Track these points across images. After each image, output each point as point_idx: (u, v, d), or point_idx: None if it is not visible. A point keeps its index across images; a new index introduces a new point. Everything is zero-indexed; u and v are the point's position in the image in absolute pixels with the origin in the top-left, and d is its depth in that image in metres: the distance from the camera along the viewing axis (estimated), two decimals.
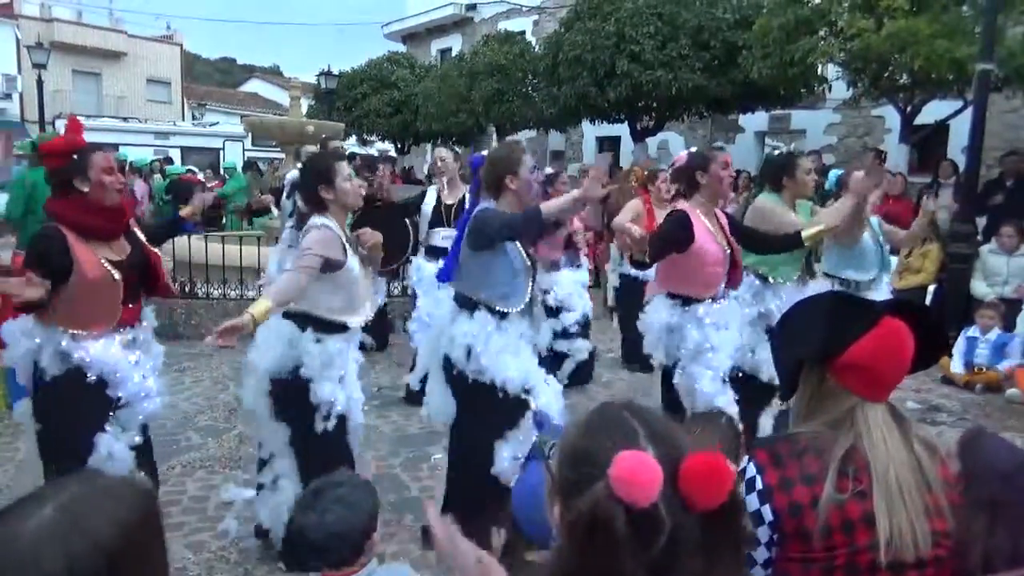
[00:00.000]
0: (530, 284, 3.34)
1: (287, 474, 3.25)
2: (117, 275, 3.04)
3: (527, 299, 3.32)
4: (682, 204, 3.88)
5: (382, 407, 5.55)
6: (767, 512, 1.40)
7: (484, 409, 3.28)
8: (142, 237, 3.29)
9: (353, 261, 3.15)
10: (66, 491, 0.91)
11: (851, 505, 1.35)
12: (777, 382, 4.16)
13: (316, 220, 3.11)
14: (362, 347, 6.71)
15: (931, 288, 7.36)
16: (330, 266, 3.03)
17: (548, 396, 3.33)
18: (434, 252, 5.52)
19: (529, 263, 3.33)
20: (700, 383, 3.70)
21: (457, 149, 5.92)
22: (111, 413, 3.10)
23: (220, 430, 4.95)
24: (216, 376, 6.08)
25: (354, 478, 2.10)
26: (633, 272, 6.22)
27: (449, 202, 5.53)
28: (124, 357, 3.10)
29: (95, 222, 2.99)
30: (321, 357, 3.11)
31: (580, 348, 5.96)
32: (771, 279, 4.31)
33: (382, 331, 6.78)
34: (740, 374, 4.11)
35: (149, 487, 1.01)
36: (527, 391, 3.28)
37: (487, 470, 3.26)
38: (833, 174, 5.28)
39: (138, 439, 3.20)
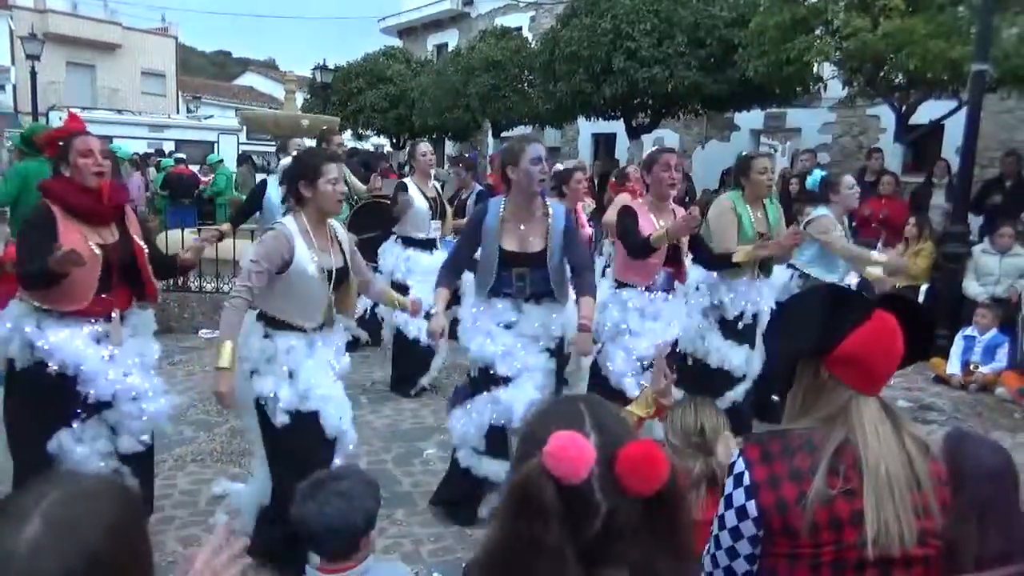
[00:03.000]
0: (499, 276, 3.57)
1: (260, 465, 3.27)
2: (98, 251, 3.05)
3: (487, 287, 3.58)
4: (631, 201, 4.33)
5: (374, 402, 5.55)
6: (752, 508, 1.41)
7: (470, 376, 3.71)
8: (134, 229, 3.28)
9: (305, 261, 3.03)
10: (47, 499, 0.89)
11: (840, 503, 1.36)
12: (725, 368, 4.39)
13: (277, 223, 3.14)
14: (355, 342, 6.77)
15: (923, 288, 7.39)
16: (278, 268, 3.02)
17: (516, 394, 3.46)
18: (428, 244, 5.63)
19: (500, 256, 3.55)
20: (612, 362, 3.93)
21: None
22: (81, 411, 3.03)
23: (212, 424, 4.94)
24: (209, 370, 6.06)
25: (360, 474, 2.10)
26: None
27: (431, 195, 5.73)
28: (93, 350, 3.03)
29: (76, 200, 3.05)
30: (266, 352, 3.06)
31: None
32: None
33: (375, 326, 6.76)
34: (691, 361, 4.49)
35: (125, 484, 1.00)
36: (488, 371, 3.53)
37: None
38: (817, 174, 5.36)
39: (134, 444, 3.15)
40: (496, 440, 3.54)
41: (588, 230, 6.09)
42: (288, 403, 3.03)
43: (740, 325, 4.54)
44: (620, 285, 4.11)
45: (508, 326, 3.58)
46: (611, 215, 5.68)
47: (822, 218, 4.90)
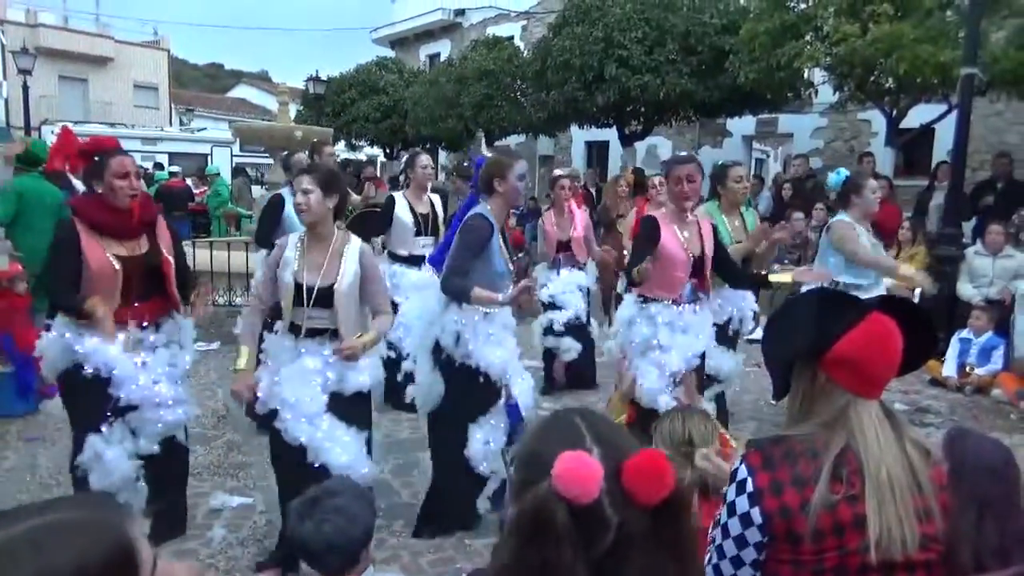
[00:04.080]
0: (510, 284, 3.60)
1: None
2: (117, 266, 3.18)
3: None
4: (654, 211, 4.22)
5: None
6: (756, 514, 1.40)
7: (464, 392, 3.57)
8: (165, 241, 3.39)
9: (284, 272, 3.21)
10: (43, 516, 0.86)
11: (842, 508, 1.36)
12: (711, 373, 4.34)
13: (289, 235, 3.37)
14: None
15: (918, 291, 7.41)
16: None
17: (523, 389, 3.63)
18: (414, 260, 5.53)
19: (510, 266, 3.63)
20: (644, 379, 3.83)
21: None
22: (110, 414, 3.17)
23: (208, 437, 4.91)
24: (205, 383, 6.03)
25: (354, 487, 2.08)
26: None
27: (423, 211, 5.58)
28: (125, 355, 3.17)
29: (103, 219, 3.18)
30: (269, 347, 3.31)
31: (568, 348, 5.95)
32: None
33: None
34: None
35: (120, 526, 0.91)
36: (505, 380, 3.57)
37: (462, 450, 3.58)
38: (841, 173, 5.15)
39: (151, 447, 3.26)
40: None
41: (580, 232, 6.10)
42: (263, 394, 3.22)
43: (730, 331, 4.54)
44: (646, 300, 3.96)
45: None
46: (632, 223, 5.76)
47: (838, 223, 4.76)
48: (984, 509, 1.73)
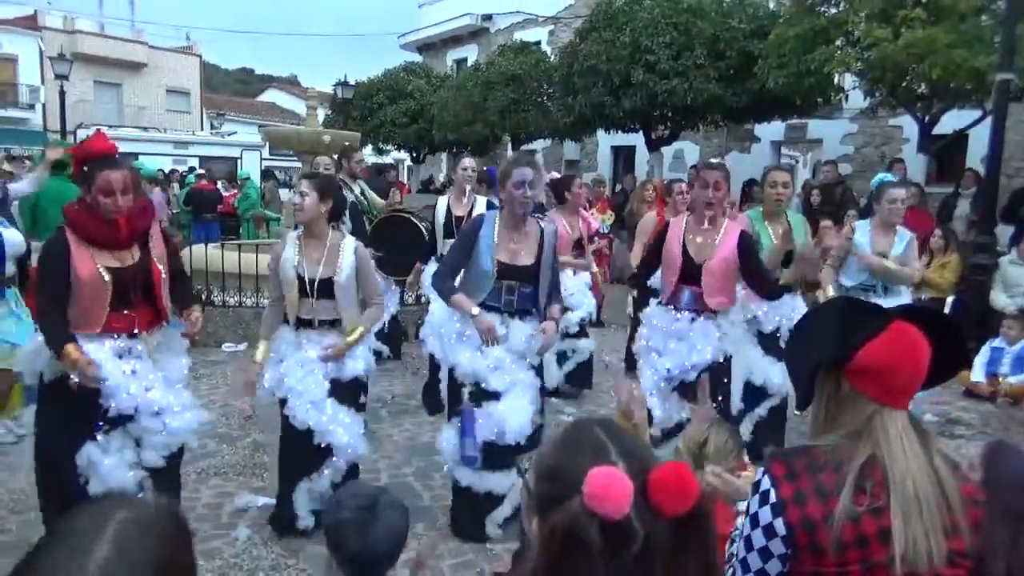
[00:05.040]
0: (490, 285, 3.60)
1: None
2: (107, 277, 3.10)
3: (480, 298, 3.59)
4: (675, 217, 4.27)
5: (395, 415, 5.55)
6: (780, 526, 1.38)
7: (450, 391, 3.77)
8: (158, 250, 3.30)
9: (286, 268, 3.55)
10: (113, 522, 0.92)
11: (866, 520, 1.33)
12: (760, 384, 4.30)
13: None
14: (377, 356, 6.77)
15: (950, 300, 7.28)
16: None
17: (508, 408, 3.49)
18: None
19: (496, 268, 3.58)
20: (642, 379, 3.91)
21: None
22: (102, 424, 3.11)
23: (235, 437, 4.97)
24: (232, 384, 6.11)
25: (395, 499, 2.06)
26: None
27: (459, 213, 5.58)
28: (114, 365, 3.10)
29: (93, 229, 3.10)
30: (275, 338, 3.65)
31: (582, 348, 5.94)
32: None
33: (396, 340, 6.79)
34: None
35: (175, 508, 1.04)
36: (476, 385, 3.57)
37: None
38: (879, 177, 5.02)
39: (155, 457, 3.23)
40: (491, 454, 3.53)
41: (588, 234, 6.09)
42: (270, 383, 3.54)
43: (780, 341, 4.41)
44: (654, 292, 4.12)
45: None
46: (641, 234, 5.73)
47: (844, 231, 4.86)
48: (1019, 527, 1.69)
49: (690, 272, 3.86)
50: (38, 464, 3.27)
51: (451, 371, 3.72)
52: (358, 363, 3.65)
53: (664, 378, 3.85)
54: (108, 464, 3.11)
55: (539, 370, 3.76)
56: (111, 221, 3.10)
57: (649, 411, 3.74)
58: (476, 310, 3.51)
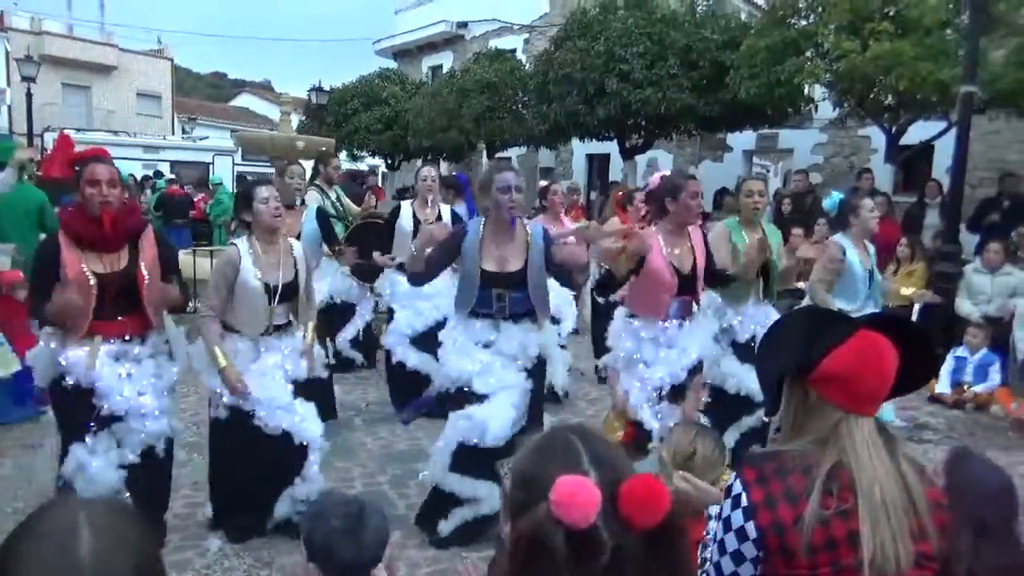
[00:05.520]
0: (475, 294, 3.61)
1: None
2: (93, 280, 3.16)
3: (468, 307, 3.64)
4: (647, 229, 4.07)
5: (370, 423, 5.52)
6: (751, 529, 1.41)
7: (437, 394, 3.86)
8: (147, 256, 3.33)
9: (248, 277, 3.49)
10: (82, 514, 0.94)
11: (835, 523, 1.36)
12: (743, 394, 4.31)
13: (230, 244, 3.63)
14: (351, 364, 6.72)
15: (916, 308, 7.42)
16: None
17: (490, 412, 3.50)
18: None
19: (480, 277, 3.59)
20: (628, 392, 3.88)
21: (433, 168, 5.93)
22: (93, 425, 3.17)
23: (205, 447, 4.89)
24: (202, 393, 5.98)
25: (374, 507, 2.05)
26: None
27: (429, 220, 5.56)
28: (109, 367, 3.19)
29: (80, 229, 3.19)
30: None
31: (567, 360, 5.94)
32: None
33: (370, 348, 6.75)
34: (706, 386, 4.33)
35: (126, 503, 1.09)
36: (462, 389, 3.58)
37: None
38: (835, 196, 5.16)
39: (132, 456, 3.27)
40: (465, 458, 3.54)
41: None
42: (230, 400, 3.46)
43: (755, 349, 4.43)
44: (633, 315, 4.04)
45: (486, 345, 3.64)
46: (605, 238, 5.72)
47: (830, 245, 4.82)
48: (982, 532, 1.73)
49: (681, 285, 3.90)
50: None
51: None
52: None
53: (656, 388, 3.85)
54: (96, 466, 3.16)
55: (536, 372, 3.72)
56: (96, 218, 3.16)
57: (640, 423, 3.78)
58: (417, 253, 3.66)
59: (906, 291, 4.99)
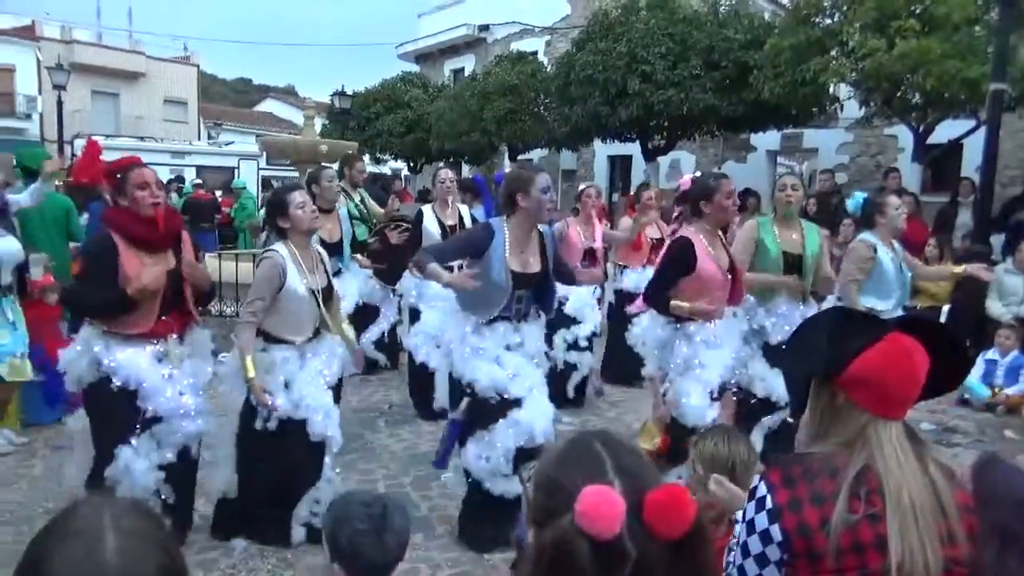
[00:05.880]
0: (507, 299, 3.57)
1: (226, 461, 3.63)
2: (162, 280, 3.29)
3: (496, 312, 3.59)
4: (685, 229, 4.03)
5: (393, 424, 5.55)
6: (776, 532, 1.39)
7: (451, 398, 3.75)
8: (187, 256, 3.48)
9: (296, 284, 3.46)
10: (107, 515, 0.96)
11: (863, 527, 1.34)
12: (772, 397, 4.25)
13: (271, 251, 3.54)
14: (374, 365, 6.76)
15: (945, 308, 7.30)
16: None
17: (533, 412, 3.53)
18: None
19: (512, 280, 3.55)
20: (688, 398, 3.80)
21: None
22: (138, 426, 3.24)
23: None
24: (225, 390, 6.09)
25: (398, 504, 2.06)
26: (626, 287, 6.30)
27: (450, 223, 5.64)
28: (154, 368, 3.27)
29: (136, 229, 3.28)
30: (263, 363, 3.45)
31: (586, 363, 5.93)
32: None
33: (393, 349, 6.78)
34: (736, 389, 4.24)
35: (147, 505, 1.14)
36: (501, 397, 3.53)
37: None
38: (858, 197, 5.05)
39: (170, 456, 3.35)
40: (521, 460, 3.52)
41: (600, 244, 6.11)
42: (283, 411, 3.42)
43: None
44: (679, 320, 3.94)
45: (508, 348, 3.65)
46: (620, 234, 5.71)
47: (859, 245, 4.65)
48: (1008, 542, 1.69)
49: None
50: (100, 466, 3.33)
51: (453, 378, 3.71)
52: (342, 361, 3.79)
53: (717, 387, 3.84)
54: (140, 467, 3.22)
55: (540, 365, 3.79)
56: (150, 218, 3.27)
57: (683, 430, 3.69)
58: (444, 277, 3.44)
59: (957, 269, 4.93)
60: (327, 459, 3.64)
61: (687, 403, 3.78)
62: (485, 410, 3.57)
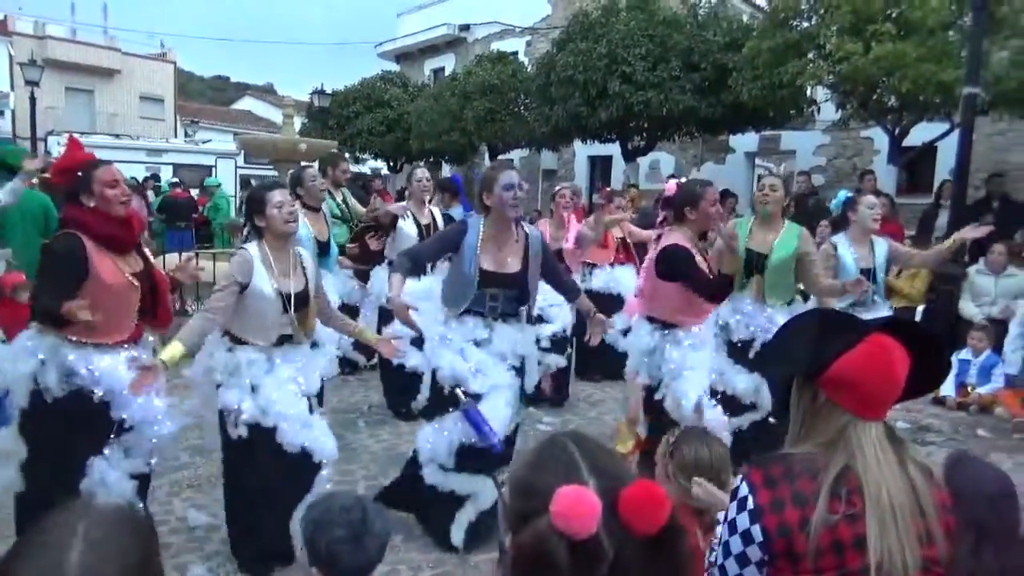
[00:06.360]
0: (474, 294, 3.59)
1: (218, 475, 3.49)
2: (136, 283, 3.14)
3: (464, 306, 3.61)
4: (671, 235, 4.00)
5: (372, 425, 5.52)
6: (757, 532, 1.40)
7: (432, 393, 3.75)
8: (151, 257, 3.35)
9: (263, 284, 3.26)
10: (82, 525, 0.98)
11: (842, 527, 1.35)
12: (729, 392, 4.25)
13: (241, 248, 3.41)
14: (353, 366, 6.71)
15: (919, 309, 7.40)
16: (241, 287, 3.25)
17: (493, 404, 3.51)
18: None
19: (479, 277, 3.58)
20: (687, 399, 3.82)
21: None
22: (111, 436, 3.09)
23: (208, 449, 4.88)
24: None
25: (378, 510, 2.03)
26: (595, 287, 6.31)
27: (425, 222, 5.65)
28: (128, 376, 3.05)
29: (107, 230, 3.08)
30: (229, 365, 3.28)
31: (550, 362, 5.91)
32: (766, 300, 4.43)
33: (372, 349, 6.72)
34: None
35: (133, 507, 1.09)
36: (458, 388, 3.53)
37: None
38: (841, 195, 5.21)
39: (146, 468, 3.22)
40: (465, 457, 3.54)
41: (571, 245, 6.10)
42: (250, 416, 3.20)
43: (750, 353, 4.30)
44: (666, 325, 4.00)
45: (477, 343, 3.64)
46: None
47: (825, 246, 4.79)
48: (982, 537, 1.72)
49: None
50: (31, 484, 3.12)
51: (435, 373, 3.71)
52: (322, 371, 3.66)
53: (707, 388, 3.91)
54: (113, 477, 3.08)
55: (520, 370, 3.78)
56: (122, 219, 3.11)
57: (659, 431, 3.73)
58: (392, 293, 3.48)
59: (948, 242, 5.03)
60: (323, 472, 3.38)
61: (685, 406, 3.81)
62: (443, 398, 3.62)
